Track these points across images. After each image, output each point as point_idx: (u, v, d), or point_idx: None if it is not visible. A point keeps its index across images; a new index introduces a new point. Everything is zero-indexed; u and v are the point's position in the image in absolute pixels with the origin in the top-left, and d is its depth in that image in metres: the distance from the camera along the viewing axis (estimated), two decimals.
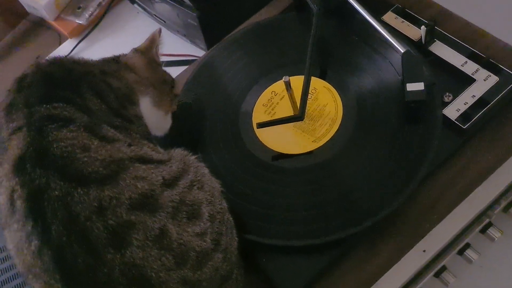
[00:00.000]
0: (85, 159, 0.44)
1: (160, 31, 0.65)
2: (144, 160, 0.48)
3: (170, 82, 0.65)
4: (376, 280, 0.53)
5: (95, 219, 0.41)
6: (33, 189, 0.42)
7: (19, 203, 0.42)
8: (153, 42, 0.64)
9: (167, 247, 0.43)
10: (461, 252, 0.60)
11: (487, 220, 0.60)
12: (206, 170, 0.54)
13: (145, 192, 0.44)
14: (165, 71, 0.65)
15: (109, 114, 0.52)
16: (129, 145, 0.48)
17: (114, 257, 0.41)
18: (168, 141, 0.65)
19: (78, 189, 0.42)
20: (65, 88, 0.50)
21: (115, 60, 0.61)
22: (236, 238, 0.53)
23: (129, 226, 0.42)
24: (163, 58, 0.67)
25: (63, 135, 0.44)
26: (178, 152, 0.54)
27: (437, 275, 0.59)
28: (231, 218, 0.53)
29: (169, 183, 0.47)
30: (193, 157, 0.54)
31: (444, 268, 0.59)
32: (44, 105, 0.47)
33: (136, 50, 0.63)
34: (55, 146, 0.43)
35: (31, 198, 0.42)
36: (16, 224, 0.42)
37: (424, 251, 0.53)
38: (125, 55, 0.62)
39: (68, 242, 0.40)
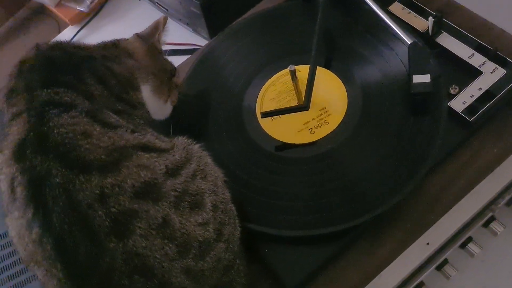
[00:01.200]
0: (87, 146, 0.43)
1: (165, 19, 0.64)
2: (147, 148, 0.47)
3: (170, 70, 0.63)
4: (379, 272, 0.52)
5: (97, 207, 0.41)
6: (34, 176, 0.41)
7: (19, 190, 0.41)
8: (156, 29, 0.63)
9: (170, 236, 0.43)
10: (463, 246, 0.60)
11: (490, 214, 0.60)
12: (209, 159, 0.53)
13: (148, 181, 0.44)
14: (166, 59, 0.64)
15: (111, 99, 0.51)
16: (132, 131, 0.48)
17: (116, 246, 0.40)
18: (171, 130, 0.65)
19: (79, 176, 0.41)
20: (66, 73, 0.49)
21: (115, 44, 0.59)
22: (238, 228, 0.52)
23: (132, 215, 0.42)
24: (165, 47, 0.66)
25: (63, 121, 0.44)
26: (181, 141, 0.53)
27: (439, 268, 0.59)
28: (233, 208, 0.53)
29: (172, 172, 0.47)
30: (196, 145, 0.53)
31: (446, 261, 0.59)
32: (45, 90, 0.46)
33: (137, 36, 0.62)
34: (55, 132, 0.43)
35: (32, 185, 0.41)
36: (17, 212, 0.42)
37: (427, 243, 0.53)
38: (125, 39, 0.61)
39: (69, 230, 0.40)
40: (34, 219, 0.41)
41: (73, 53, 0.53)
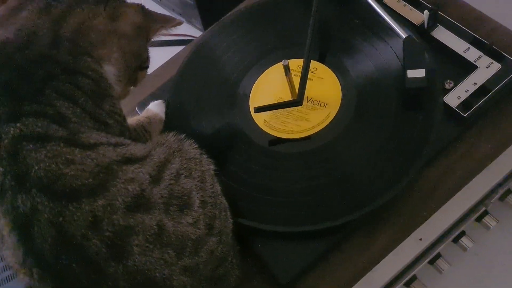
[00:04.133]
0: (72, 172, 0.41)
1: (179, 23, 0.59)
2: (130, 160, 0.45)
3: (143, 60, 0.57)
4: (373, 267, 0.52)
5: (91, 235, 0.40)
6: (18, 217, 0.40)
7: (5, 233, 0.41)
8: (164, 20, 0.57)
9: (167, 242, 0.43)
10: (456, 240, 0.60)
11: (483, 209, 0.60)
12: (192, 153, 0.52)
13: (137, 194, 0.43)
14: (147, 49, 0.57)
15: (87, 114, 0.47)
16: (114, 145, 0.46)
17: (116, 269, 0.40)
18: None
19: (69, 207, 0.40)
20: (30, 100, 0.44)
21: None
22: (230, 220, 0.52)
23: (127, 233, 0.41)
24: (158, 38, 0.63)
25: (43, 156, 0.41)
26: (158, 140, 0.52)
27: (432, 262, 0.59)
28: (224, 201, 0.52)
29: (156, 178, 0.46)
30: (173, 138, 0.52)
31: (439, 256, 0.59)
32: (12, 125, 0.42)
33: (141, 7, 0.55)
34: (36, 168, 0.41)
35: (17, 226, 0.40)
36: (8, 251, 0.41)
37: (420, 239, 0.53)
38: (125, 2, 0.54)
39: (68, 265, 0.40)
40: (26, 259, 0.40)
41: (32, 74, 0.46)
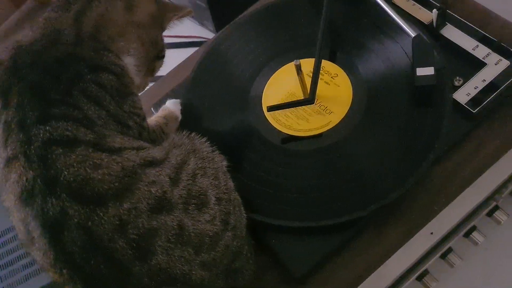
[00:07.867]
0: (99, 177, 0.42)
1: (190, 12, 0.60)
2: (152, 163, 0.47)
3: (160, 49, 0.58)
4: (384, 261, 0.53)
5: (117, 238, 0.41)
6: (48, 220, 0.41)
7: (36, 236, 0.42)
8: (177, 9, 0.58)
9: (187, 241, 0.45)
10: (467, 235, 0.61)
11: (494, 204, 0.60)
12: (205, 151, 0.53)
13: (160, 196, 0.44)
14: (162, 38, 0.59)
15: (111, 117, 0.49)
16: (137, 149, 0.47)
17: (141, 269, 0.42)
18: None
19: (97, 211, 0.41)
20: (59, 101, 0.45)
21: None
22: (244, 214, 0.53)
23: (151, 235, 0.43)
24: (172, 40, 0.65)
25: (72, 161, 0.42)
26: (173, 141, 0.53)
27: (443, 256, 0.60)
28: (237, 196, 0.54)
29: (175, 180, 0.47)
30: (187, 139, 0.53)
31: (450, 250, 0.60)
32: (42, 127, 0.43)
33: None
34: (66, 173, 0.42)
35: (48, 230, 0.41)
36: (39, 252, 0.42)
37: (431, 233, 0.54)
38: None
39: (96, 266, 0.41)
40: (57, 262, 0.42)
41: (59, 76, 0.47)
